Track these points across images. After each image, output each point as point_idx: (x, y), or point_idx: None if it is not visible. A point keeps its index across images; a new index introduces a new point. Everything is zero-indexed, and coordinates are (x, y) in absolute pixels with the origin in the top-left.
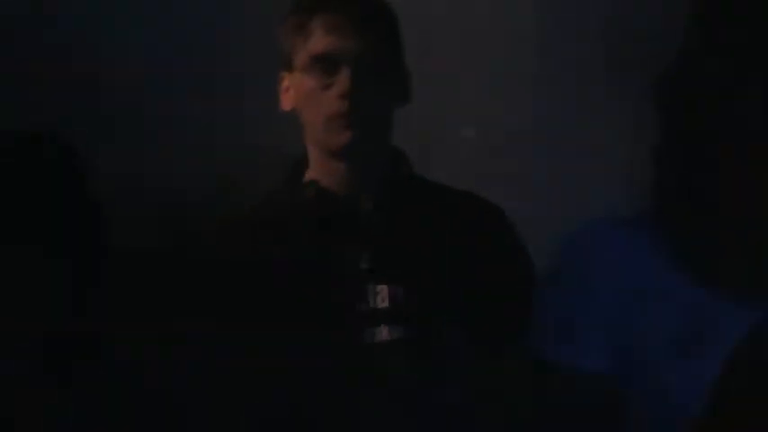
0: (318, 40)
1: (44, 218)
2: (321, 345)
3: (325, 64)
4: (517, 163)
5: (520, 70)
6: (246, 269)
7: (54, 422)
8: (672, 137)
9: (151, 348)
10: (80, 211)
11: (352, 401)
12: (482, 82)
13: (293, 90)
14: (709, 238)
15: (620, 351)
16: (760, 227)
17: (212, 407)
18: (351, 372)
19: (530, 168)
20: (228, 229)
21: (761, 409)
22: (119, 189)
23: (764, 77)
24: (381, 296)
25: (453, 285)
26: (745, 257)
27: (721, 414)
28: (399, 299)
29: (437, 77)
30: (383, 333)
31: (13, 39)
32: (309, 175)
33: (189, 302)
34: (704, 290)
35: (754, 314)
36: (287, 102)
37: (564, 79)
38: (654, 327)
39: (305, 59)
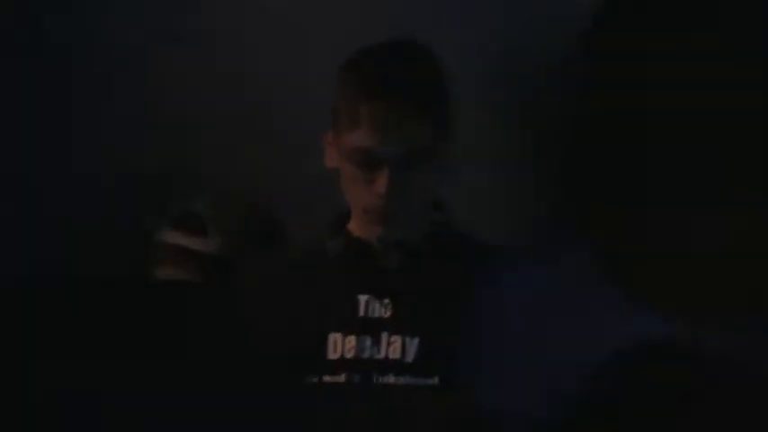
0: (364, 134)
1: None
2: (328, 389)
3: (366, 158)
4: None
5: None
6: (267, 307)
7: None
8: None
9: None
10: None
11: None
12: None
13: (335, 158)
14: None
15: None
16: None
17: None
18: (353, 416)
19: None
20: (262, 267)
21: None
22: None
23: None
24: (394, 347)
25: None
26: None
27: None
28: (411, 351)
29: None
30: (390, 382)
31: None
32: (351, 225)
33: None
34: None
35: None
36: (330, 159)
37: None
38: None
39: (349, 148)
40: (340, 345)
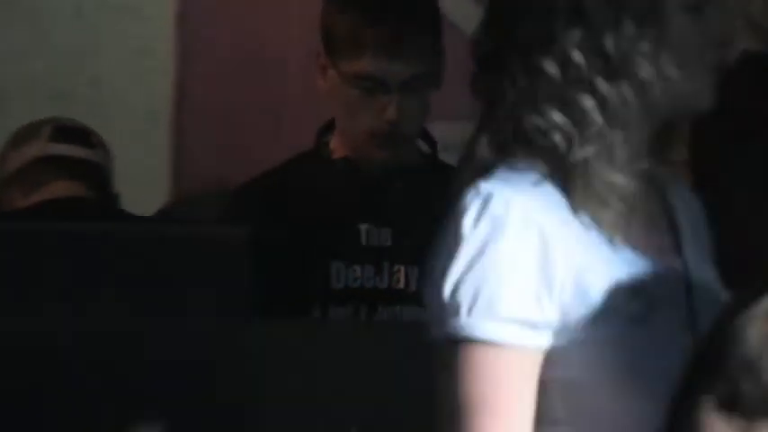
0: (370, 60)
1: None
2: (333, 320)
3: (373, 84)
4: None
5: None
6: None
7: None
8: None
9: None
10: None
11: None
12: None
13: (331, 81)
14: None
15: None
16: None
17: None
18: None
19: None
20: (253, 191)
21: None
22: None
23: None
24: (397, 276)
25: None
26: None
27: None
28: (414, 280)
29: None
30: (396, 313)
31: None
32: (337, 143)
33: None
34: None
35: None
36: (323, 83)
37: None
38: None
39: (353, 74)
40: (343, 274)
